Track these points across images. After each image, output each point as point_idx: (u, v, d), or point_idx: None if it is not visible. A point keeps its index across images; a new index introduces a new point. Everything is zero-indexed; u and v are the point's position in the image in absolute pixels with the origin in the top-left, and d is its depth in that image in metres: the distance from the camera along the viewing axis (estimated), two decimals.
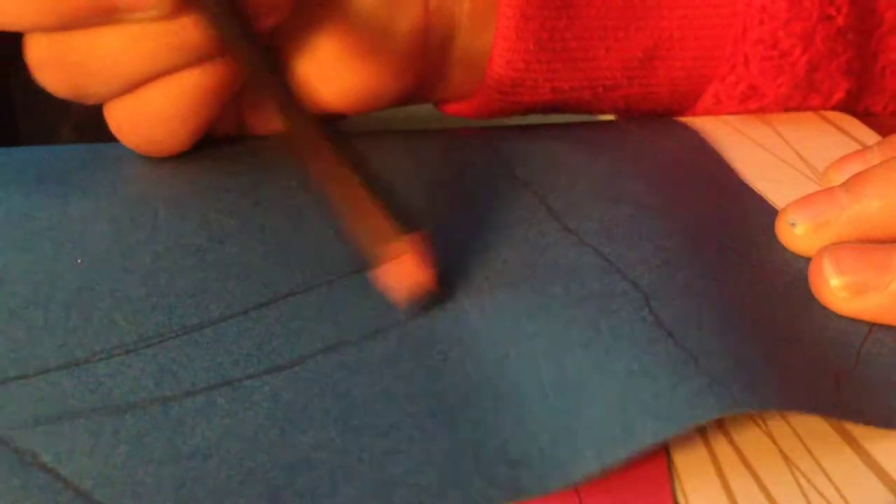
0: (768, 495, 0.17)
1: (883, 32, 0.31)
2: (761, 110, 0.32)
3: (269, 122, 0.28)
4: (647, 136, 0.30)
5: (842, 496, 0.17)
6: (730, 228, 0.24)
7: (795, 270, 0.23)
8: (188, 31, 0.23)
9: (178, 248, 0.22)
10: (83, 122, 0.45)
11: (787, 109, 0.32)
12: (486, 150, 0.28)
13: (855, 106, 0.33)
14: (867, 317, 0.21)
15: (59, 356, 0.19)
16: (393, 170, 0.25)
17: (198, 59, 0.24)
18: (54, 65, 0.23)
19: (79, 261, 0.22)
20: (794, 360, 0.19)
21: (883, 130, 0.31)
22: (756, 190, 0.27)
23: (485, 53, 0.29)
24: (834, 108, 0.32)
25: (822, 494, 0.17)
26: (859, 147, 0.29)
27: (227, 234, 0.23)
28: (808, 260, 0.22)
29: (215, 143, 0.27)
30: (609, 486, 0.17)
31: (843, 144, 0.30)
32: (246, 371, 0.19)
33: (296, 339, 0.20)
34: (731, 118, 0.32)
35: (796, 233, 0.23)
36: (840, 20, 0.30)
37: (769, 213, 0.25)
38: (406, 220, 0.20)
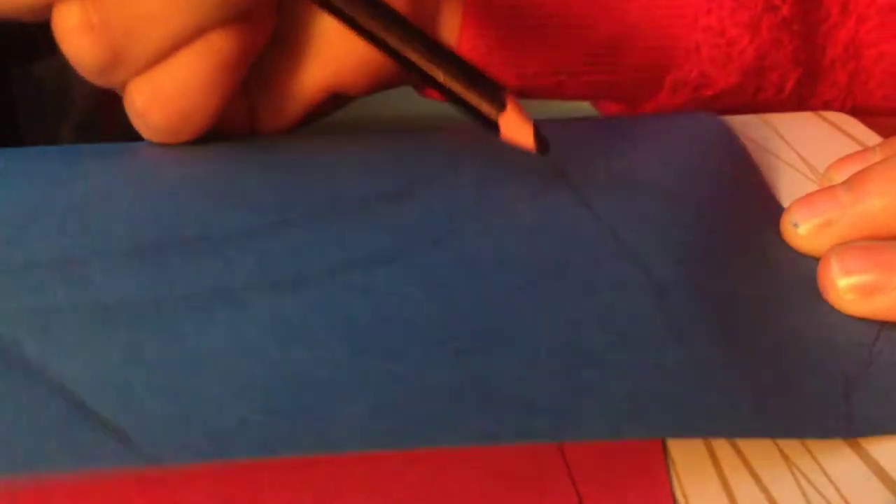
0: (768, 495, 0.17)
1: (829, 26, 0.32)
2: (714, 101, 0.33)
3: (277, 115, 0.29)
4: (677, 128, 0.29)
5: (842, 496, 0.17)
6: (751, 226, 0.24)
7: (805, 270, 0.22)
8: None
9: (188, 182, 0.22)
10: (83, 123, 0.45)
11: (741, 102, 0.33)
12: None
13: (810, 100, 0.33)
14: (878, 317, 0.21)
15: (51, 253, 0.18)
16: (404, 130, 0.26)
17: (233, 17, 0.24)
18: (90, 30, 0.23)
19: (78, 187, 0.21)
20: (803, 368, 0.19)
21: (883, 131, 0.31)
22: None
23: (453, 38, 0.30)
24: (789, 101, 0.33)
25: (822, 494, 0.17)
26: (860, 147, 0.29)
27: (239, 171, 0.23)
28: (817, 260, 0.22)
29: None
30: (608, 485, 0.17)
31: (844, 145, 0.30)
32: (247, 285, 0.18)
33: (301, 259, 0.19)
34: (732, 119, 0.32)
35: (799, 233, 0.23)
36: (785, 10, 0.31)
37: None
38: (494, 88, 0.22)
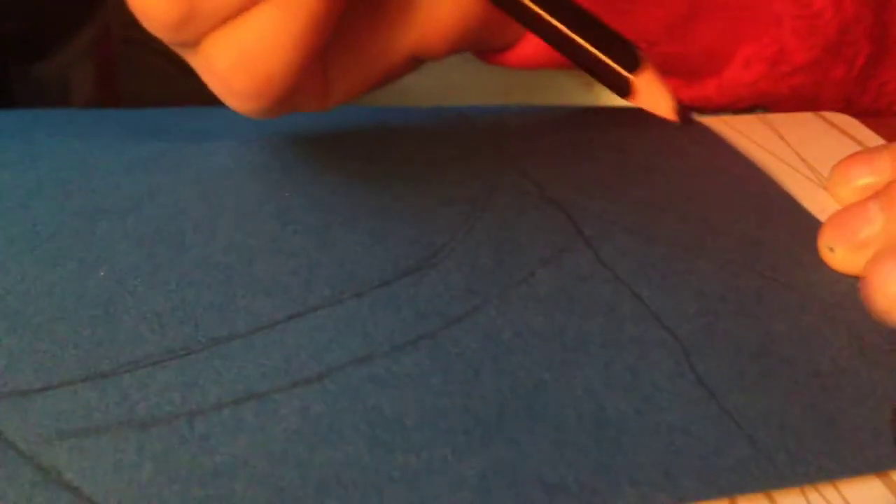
0: (768, 495, 0.17)
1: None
2: (788, 78, 0.32)
3: (354, 80, 0.27)
4: (685, 150, 0.29)
5: (842, 496, 0.17)
6: (773, 253, 0.24)
7: (842, 292, 0.22)
8: None
9: (206, 266, 0.22)
10: None
11: (811, 80, 0.32)
12: (513, 170, 0.27)
13: (871, 80, 0.33)
14: None
15: (84, 368, 0.19)
16: (415, 184, 0.26)
17: None
18: None
19: (101, 273, 0.21)
20: (845, 401, 0.19)
21: (883, 131, 0.31)
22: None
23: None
24: (855, 80, 0.32)
25: (822, 494, 0.17)
26: (860, 147, 0.29)
27: (254, 255, 0.23)
28: (852, 280, 0.22)
29: (243, 167, 0.27)
30: None
31: (844, 145, 0.30)
32: (274, 384, 0.18)
33: (324, 351, 0.19)
34: (732, 120, 0.32)
35: (836, 257, 0.23)
36: None
37: (815, 228, 0.24)
38: (632, 53, 0.21)
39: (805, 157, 0.29)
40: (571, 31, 0.21)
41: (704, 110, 0.34)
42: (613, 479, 0.16)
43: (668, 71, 0.32)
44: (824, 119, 0.32)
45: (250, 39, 0.23)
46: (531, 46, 0.30)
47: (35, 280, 0.21)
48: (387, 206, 0.25)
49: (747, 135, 0.31)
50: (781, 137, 0.31)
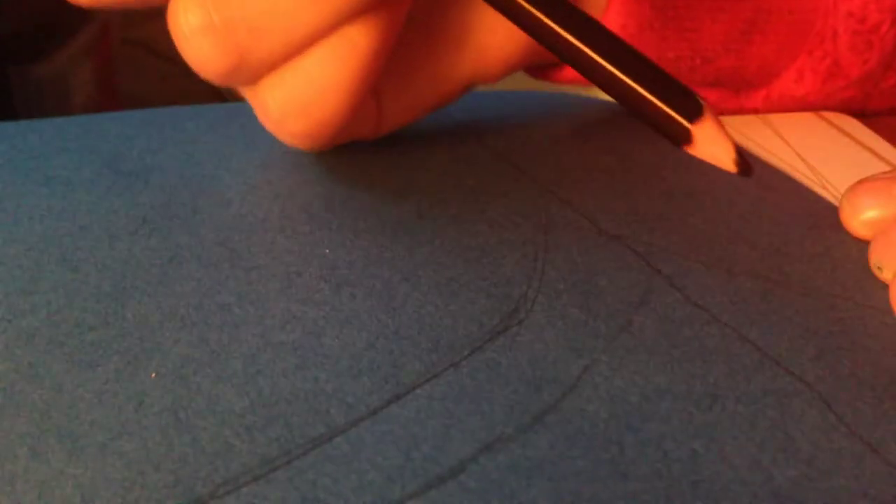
0: None
1: None
2: (841, 91, 0.32)
3: (408, 110, 0.27)
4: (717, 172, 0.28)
5: None
6: (850, 275, 0.23)
7: None
8: None
9: (270, 347, 0.19)
10: None
11: (862, 94, 0.32)
12: (557, 202, 0.25)
13: None
14: None
15: (176, 495, 0.15)
16: (461, 223, 0.24)
17: (368, 6, 0.22)
18: (212, 32, 0.21)
19: (152, 375, 0.18)
20: None
21: (883, 131, 0.31)
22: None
23: (598, 13, 0.29)
24: None
25: None
26: (860, 147, 0.29)
27: (318, 328, 0.19)
28: None
29: (270, 219, 0.24)
30: None
31: (844, 145, 0.30)
32: (405, 489, 0.16)
33: (445, 438, 0.17)
34: (733, 120, 0.32)
35: (884, 276, 0.22)
36: None
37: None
38: (691, 99, 0.20)
39: (805, 157, 0.29)
40: (628, 77, 0.20)
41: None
42: None
43: (719, 83, 0.32)
44: (824, 119, 0.32)
45: (302, 86, 0.23)
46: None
47: (75, 388, 0.18)
48: (441, 253, 0.22)
49: (747, 135, 0.31)
50: (781, 137, 0.31)
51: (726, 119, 0.32)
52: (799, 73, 0.32)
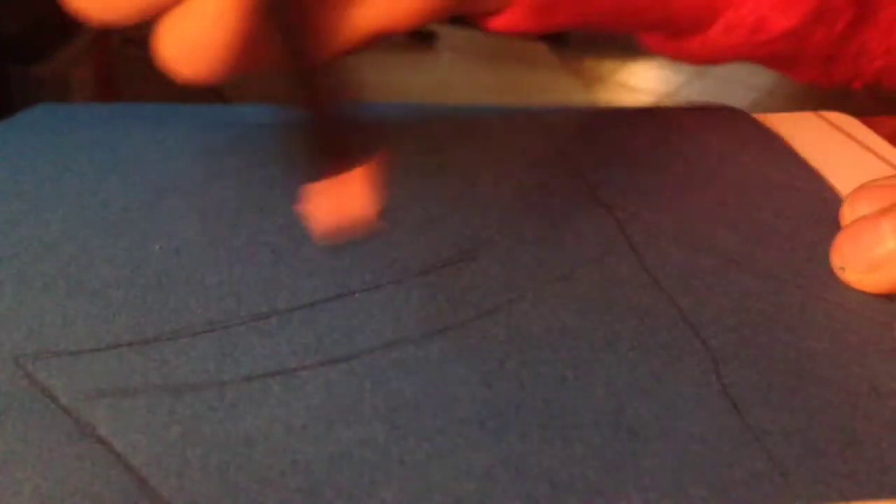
0: None
1: None
2: (767, 45, 0.32)
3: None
4: (750, 160, 0.29)
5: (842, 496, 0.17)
6: (824, 270, 0.23)
7: (878, 313, 0.22)
8: None
9: (257, 245, 0.23)
10: None
11: (790, 45, 0.32)
12: (567, 170, 0.28)
13: (850, 42, 0.33)
14: None
15: (131, 333, 0.20)
16: (468, 177, 0.26)
17: None
18: None
19: (157, 248, 0.23)
20: (877, 423, 0.18)
21: (883, 131, 0.31)
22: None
23: None
24: (835, 44, 0.32)
25: None
26: (860, 147, 0.29)
27: (304, 236, 0.23)
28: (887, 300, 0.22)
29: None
30: None
31: (844, 145, 0.30)
32: (303, 362, 0.19)
33: (356, 333, 0.20)
34: None
35: (848, 277, 0.22)
36: None
37: None
38: (365, 143, 0.20)
39: (805, 156, 0.29)
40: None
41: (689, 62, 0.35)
42: (621, 482, 0.16)
43: (653, 28, 0.33)
44: (824, 119, 0.32)
45: (189, 29, 0.22)
46: (518, 12, 0.30)
47: (98, 249, 0.23)
48: (436, 197, 0.25)
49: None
50: (781, 136, 0.31)
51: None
52: (727, 27, 0.32)
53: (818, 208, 0.26)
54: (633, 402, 0.18)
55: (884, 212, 0.22)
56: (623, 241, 0.24)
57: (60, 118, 0.31)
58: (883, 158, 0.29)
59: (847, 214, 0.24)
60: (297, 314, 0.20)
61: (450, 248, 0.23)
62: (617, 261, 0.23)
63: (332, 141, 0.20)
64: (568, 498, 0.16)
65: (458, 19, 0.30)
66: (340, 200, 0.20)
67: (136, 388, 0.18)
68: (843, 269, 0.22)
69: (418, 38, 1.34)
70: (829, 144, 0.30)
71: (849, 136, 0.31)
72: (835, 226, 0.25)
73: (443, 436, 0.17)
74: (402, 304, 0.21)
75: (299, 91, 0.20)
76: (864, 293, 0.22)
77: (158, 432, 0.17)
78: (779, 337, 0.20)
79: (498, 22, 0.31)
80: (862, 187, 0.24)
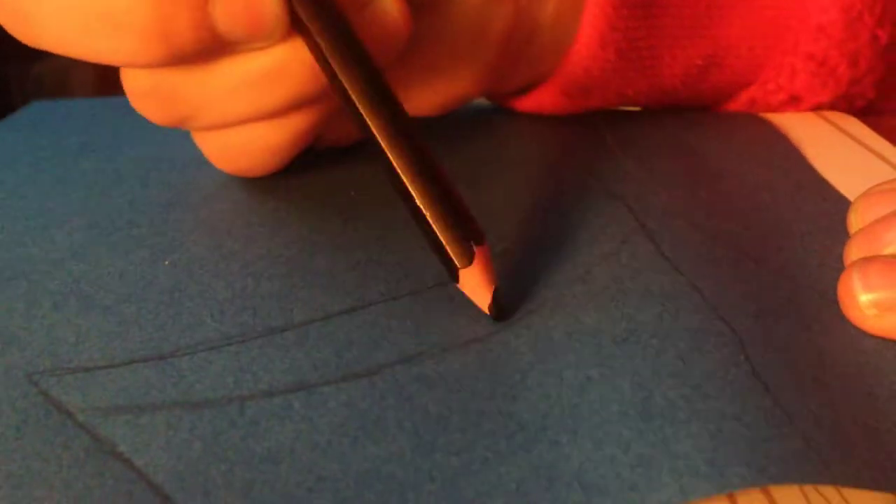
0: (768, 495, 0.17)
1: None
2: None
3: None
4: (762, 159, 0.29)
5: (843, 497, 0.17)
6: (836, 277, 0.22)
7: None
8: (297, 76, 0.22)
9: (269, 258, 0.23)
10: None
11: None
12: (578, 169, 0.27)
13: (863, 115, 0.34)
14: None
15: (146, 349, 0.20)
16: (483, 184, 0.27)
17: (303, 104, 0.24)
18: (157, 97, 0.23)
19: (166, 262, 0.23)
20: (892, 430, 0.18)
21: (883, 131, 0.31)
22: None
23: (558, 54, 0.30)
24: (855, 113, 0.33)
25: (822, 494, 0.17)
26: (860, 147, 0.29)
27: (316, 248, 0.23)
28: None
29: (312, 165, 0.28)
30: None
31: (845, 145, 0.30)
32: (324, 377, 0.19)
33: (375, 347, 0.20)
34: (732, 116, 0.32)
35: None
36: (884, 39, 0.31)
37: None
38: (467, 235, 0.20)
39: (806, 156, 0.29)
40: (427, 199, 0.20)
41: None
42: (654, 470, 0.16)
43: (681, 104, 0.33)
44: (824, 119, 0.32)
45: (234, 140, 0.25)
46: (547, 95, 0.32)
47: (108, 265, 0.23)
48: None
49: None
50: (788, 137, 0.31)
51: None
52: (750, 102, 0.33)
53: (828, 213, 0.26)
54: (661, 388, 0.18)
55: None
56: (638, 228, 0.23)
57: (56, 117, 0.31)
58: (884, 158, 0.29)
59: (853, 221, 0.24)
60: (314, 328, 0.20)
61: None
62: (633, 249, 0.23)
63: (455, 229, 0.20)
64: (601, 499, 0.16)
65: None
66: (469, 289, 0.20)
67: (154, 404, 0.18)
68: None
69: None
70: (830, 144, 0.30)
71: (849, 135, 0.31)
72: (845, 233, 0.24)
73: (470, 451, 0.17)
74: (420, 317, 0.21)
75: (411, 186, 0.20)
76: None
77: (179, 449, 0.17)
78: (798, 334, 0.20)
79: (526, 103, 0.32)
80: (870, 190, 0.24)
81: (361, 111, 0.21)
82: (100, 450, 0.17)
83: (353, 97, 0.21)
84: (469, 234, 0.20)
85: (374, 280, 0.22)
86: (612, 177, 0.27)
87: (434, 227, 0.20)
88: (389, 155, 0.20)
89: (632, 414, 0.17)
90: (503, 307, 0.20)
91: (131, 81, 0.23)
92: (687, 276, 0.21)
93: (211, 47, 0.21)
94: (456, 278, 0.20)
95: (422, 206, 0.20)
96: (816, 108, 0.33)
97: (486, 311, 0.20)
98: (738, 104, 0.33)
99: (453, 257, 0.20)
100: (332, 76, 0.21)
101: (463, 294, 0.21)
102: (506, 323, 0.20)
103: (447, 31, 0.27)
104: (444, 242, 0.20)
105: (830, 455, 0.16)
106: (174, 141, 0.29)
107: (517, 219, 0.25)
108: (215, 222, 0.24)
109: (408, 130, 0.21)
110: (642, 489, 0.16)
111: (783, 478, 0.16)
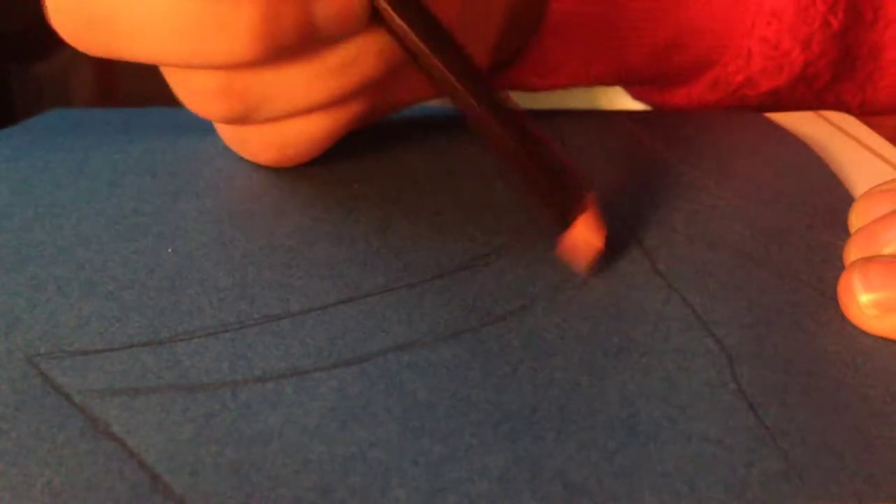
0: None
1: (860, 30, 0.34)
2: (751, 99, 0.34)
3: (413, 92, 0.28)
4: (766, 154, 0.29)
5: None
6: (838, 274, 0.22)
7: None
8: (370, 63, 0.23)
9: (270, 248, 0.23)
10: None
11: (772, 101, 0.35)
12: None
13: (827, 95, 0.36)
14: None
15: (144, 334, 0.20)
16: (486, 182, 0.27)
17: (368, 90, 0.24)
18: (227, 95, 0.23)
19: (169, 249, 0.23)
20: (891, 434, 0.18)
21: (883, 131, 0.31)
22: None
23: (526, 36, 0.31)
24: (814, 98, 0.35)
25: None
26: (860, 148, 0.29)
27: (317, 239, 0.24)
28: None
29: (318, 157, 0.28)
30: None
31: (845, 145, 0.30)
32: (316, 363, 0.19)
33: (369, 336, 0.20)
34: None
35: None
36: (836, 26, 0.32)
37: None
38: (577, 184, 0.22)
39: (814, 151, 0.29)
40: (531, 156, 0.22)
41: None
42: (636, 484, 0.16)
43: (645, 82, 0.35)
44: (824, 118, 0.32)
45: (290, 131, 0.25)
46: (522, 71, 0.33)
47: (113, 251, 0.23)
48: (453, 202, 0.26)
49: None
50: (794, 134, 0.31)
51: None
52: (713, 82, 0.34)
53: (833, 208, 0.26)
54: (648, 407, 0.18)
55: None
56: (636, 244, 0.24)
57: (73, 122, 0.31)
58: (883, 158, 0.29)
59: (853, 221, 0.24)
60: (311, 317, 0.21)
61: (464, 253, 0.23)
62: (629, 266, 0.23)
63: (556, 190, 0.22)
64: (582, 499, 0.16)
65: None
66: (579, 239, 0.22)
67: (150, 388, 0.18)
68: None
69: None
70: (830, 144, 0.30)
71: (849, 135, 0.31)
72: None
73: (456, 437, 0.17)
74: (414, 308, 0.21)
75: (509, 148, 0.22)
76: None
77: (172, 430, 0.17)
78: (794, 336, 0.20)
79: (505, 79, 0.33)
80: (871, 191, 0.24)
81: (460, 86, 0.22)
82: (94, 429, 0.17)
83: (451, 75, 0.22)
84: (576, 186, 0.22)
85: (373, 271, 0.22)
86: (610, 185, 0.27)
87: (547, 180, 0.22)
88: (494, 123, 0.22)
89: (617, 426, 0.17)
90: (597, 264, 0.22)
91: (200, 82, 0.22)
92: (680, 293, 0.22)
93: (307, 43, 0.21)
94: (570, 225, 0.22)
95: (532, 164, 0.22)
96: (775, 91, 0.34)
97: (596, 253, 0.22)
98: (702, 84, 0.34)
99: (575, 199, 0.22)
100: (422, 57, 0.22)
101: (462, 287, 0.21)
102: (497, 316, 0.21)
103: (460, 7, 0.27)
104: (558, 192, 0.22)
105: (814, 474, 0.17)
106: (184, 134, 0.29)
107: (517, 215, 0.25)
108: (219, 212, 0.25)
109: (502, 97, 0.22)
110: (623, 499, 0.16)
111: (761, 501, 0.16)
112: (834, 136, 0.31)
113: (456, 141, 0.29)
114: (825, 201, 0.26)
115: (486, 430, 0.17)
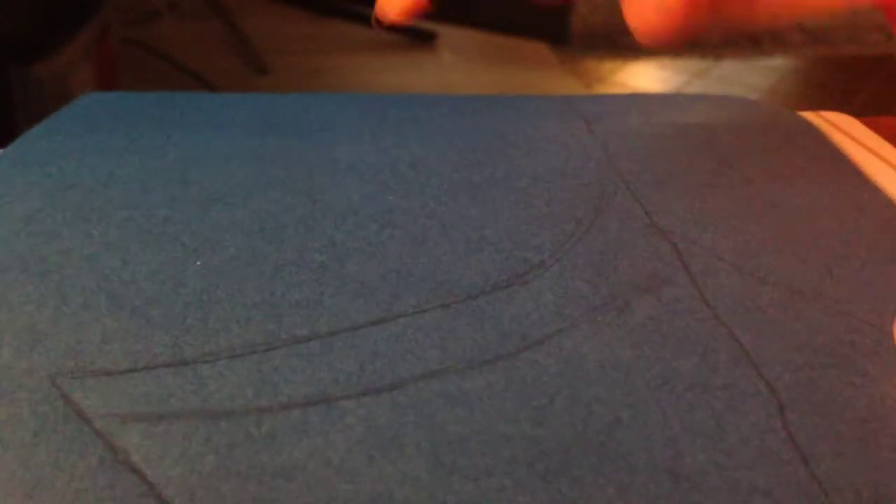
0: None
1: None
2: None
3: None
4: (819, 184, 0.27)
5: None
6: (888, 307, 0.22)
7: None
8: None
9: (301, 263, 0.23)
10: None
11: None
12: (625, 192, 0.27)
13: None
14: None
15: (169, 354, 0.19)
16: (521, 197, 0.26)
17: None
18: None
19: (198, 262, 0.22)
20: None
21: (883, 131, 0.31)
22: None
23: None
24: None
25: None
26: (860, 148, 0.29)
27: (349, 255, 0.23)
28: None
29: (354, 165, 0.28)
30: None
31: (844, 145, 0.30)
32: (344, 391, 0.18)
33: (399, 361, 0.19)
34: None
35: None
36: None
37: None
38: None
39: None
40: None
41: None
42: None
43: None
44: (824, 119, 0.32)
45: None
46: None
47: (140, 263, 0.22)
48: (489, 217, 0.25)
49: None
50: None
51: None
52: None
53: (892, 237, 0.24)
54: (692, 449, 0.17)
55: None
56: (681, 269, 0.23)
57: (108, 110, 0.30)
58: (883, 159, 0.29)
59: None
60: (339, 339, 0.20)
61: (500, 272, 0.22)
62: (674, 291, 0.22)
63: None
64: None
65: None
66: None
67: (172, 413, 0.18)
68: None
69: (418, 38, 1.33)
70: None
71: (849, 136, 0.31)
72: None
73: (489, 477, 0.16)
74: (447, 331, 0.20)
75: None
76: None
77: (193, 462, 0.17)
78: (849, 380, 0.19)
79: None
80: None
81: None
82: (114, 459, 0.17)
83: None
84: None
85: (406, 290, 0.21)
86: (657, 205, 0.26)
87: None
88: None
89: (660, 469, 0.17)
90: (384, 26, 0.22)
91: None
92: (728, 327, 0.20)
93: None
94: None
95: None
96: None
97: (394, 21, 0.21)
98: None
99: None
100: None
101: (497, 308, 0.21)
102: (535, 340, 0.20)
103: None
104: None
105: None
106: (217, 138, 0.29)
107: (555, 233, 0.24)
108: (250, 223, 0.24)
109: None
110: None
111: None
112: (834, 136, 0.31)
113: (495, 153, 0.28)
114: (883, 227, 0.25)
115: (520, 468, 0.16)
